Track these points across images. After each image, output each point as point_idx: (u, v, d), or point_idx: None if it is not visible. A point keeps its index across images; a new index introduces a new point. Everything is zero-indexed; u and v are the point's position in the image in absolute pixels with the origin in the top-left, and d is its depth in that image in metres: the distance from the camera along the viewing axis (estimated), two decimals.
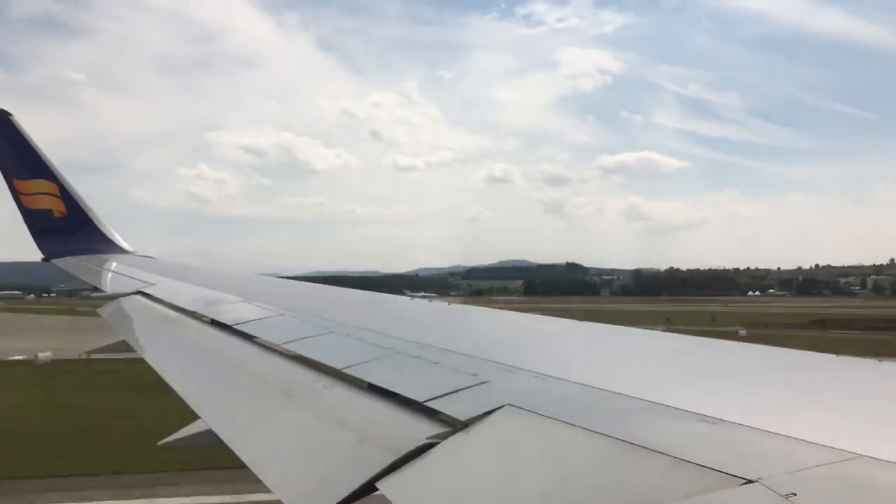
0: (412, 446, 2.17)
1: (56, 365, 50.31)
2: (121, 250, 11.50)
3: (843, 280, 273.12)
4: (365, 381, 2.92)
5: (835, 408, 2.12)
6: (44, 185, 11.43)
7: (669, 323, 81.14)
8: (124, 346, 5.67)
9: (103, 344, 6.47)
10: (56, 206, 11.46)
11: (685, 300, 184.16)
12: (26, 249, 11.48)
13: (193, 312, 5.38)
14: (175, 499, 17.18)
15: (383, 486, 2.04)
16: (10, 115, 11.13)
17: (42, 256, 11.40)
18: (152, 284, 7.33)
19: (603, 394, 2.29)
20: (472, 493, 1.90)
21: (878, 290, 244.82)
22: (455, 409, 2.35)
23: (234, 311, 5.10)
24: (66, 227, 11.49)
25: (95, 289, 8.72)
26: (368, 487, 2.10)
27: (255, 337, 4.19)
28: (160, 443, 3.66)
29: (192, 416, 3.39)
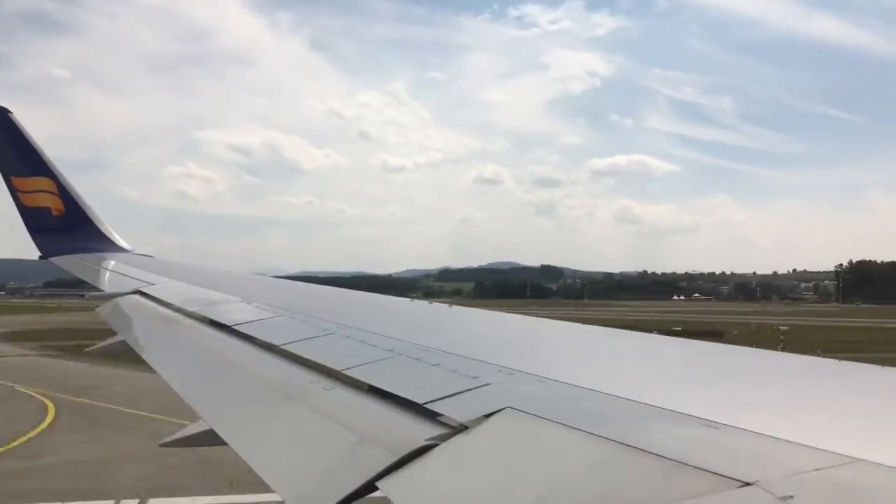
0: (412, 447, 2.18)
1: None
2: (119, 249, 11.47)
3: (803, 285, 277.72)
4: (366, 383, 2.93)
5: (832, 412, 2.14)
6: (42, 182, 11.40)
7: None
8: (123, 346, 5.67)
9: (101, 343, 6.47)
10: (54, 204, 11.43)
11: (594, 304, 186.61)
12: (26, 246, 11.49)
13: (193, 312, 5.37)
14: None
15: (383, 486, 2.06)
16: (9, 111, 11.10)
17: (39, 254, 11.38)
18: (151, 284, 7.33)
19: (603, 397, 2.31)
20: (472, 494, 1.91)
21: (826, 294, 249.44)
22: (455, 411, 2.35)
23: (235, 311, 5.11)
24: (64, 225, 11.46)
25: (94, 287, 8.70)
26: (368, 487, 2.11)
27: (255, 337, 4.19)
28: (161, 443, 3.67)
29: (193, 416, 3.40)
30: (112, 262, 10.15)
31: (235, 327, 4.52)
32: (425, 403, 2.47)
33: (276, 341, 3.92)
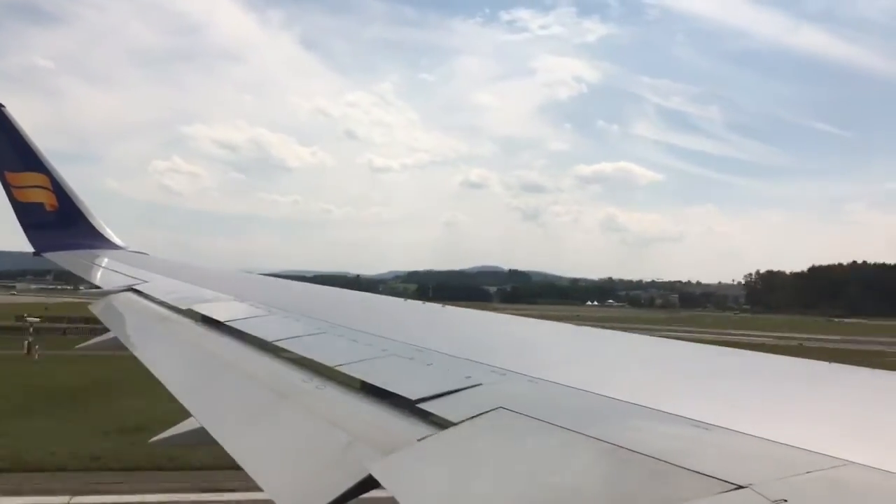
0: (404, 447, 2.17)
1: None
2: (113, 245, 11.43)
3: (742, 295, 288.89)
4: (357, 381, 2.91)
5: (826, 414, 2.14)
6: (36, 177, 11.34)
7: None
8: (115, 343, 5.64)
9: (93, 340, 6.43)
10: (48, 200, 11.38)
11: (501, 307, 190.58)
12: (21, 240, 11.42)
13: (186, 310, 5.35)
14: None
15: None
16: (3, 106, 11.04)
17: (33, 250, 11.32)
18: (145, 281, 7.29)
19: (595, 398, 2.30)
20: (462, 487, 1.90)
21: (750, 303, 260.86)
22: (447, 410, 2.34)
23: (228, 309, 5.08)
24: (58, 220, 11.41)
25: (91, 284, 8.66)
26: (359, 487, 2.09)
27: (247, 335, 4.17)
28: (151, 440, 3.64)
29: (184, 414, 3.37)
30: (105, 259, 10.10)
31: (228, 325, 4.50)
32: (417, 403, 2.46)
33: (268, 339, 3.90)
